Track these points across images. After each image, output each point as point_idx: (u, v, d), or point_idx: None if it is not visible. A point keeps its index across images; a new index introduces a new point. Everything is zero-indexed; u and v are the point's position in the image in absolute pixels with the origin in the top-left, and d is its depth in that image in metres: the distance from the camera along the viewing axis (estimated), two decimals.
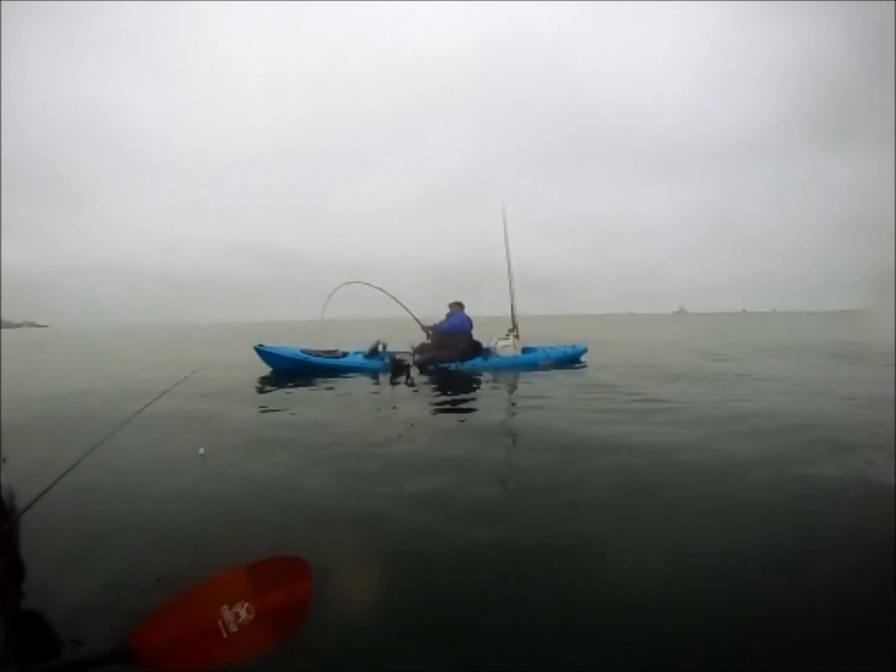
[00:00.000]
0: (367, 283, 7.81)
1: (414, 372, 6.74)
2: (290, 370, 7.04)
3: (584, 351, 8.70)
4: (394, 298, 7.70)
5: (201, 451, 3.36)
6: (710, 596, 1.71)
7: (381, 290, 7.70)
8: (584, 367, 8.15)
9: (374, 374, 6.89)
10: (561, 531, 2.20)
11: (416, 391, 5.54)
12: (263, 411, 5.09)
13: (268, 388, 6.32)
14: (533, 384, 6.38)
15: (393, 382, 6.37)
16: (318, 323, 7.99)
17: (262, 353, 7.37)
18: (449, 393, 5.82)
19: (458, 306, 7.73)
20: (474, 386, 6.23)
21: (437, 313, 7.84)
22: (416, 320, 7.65)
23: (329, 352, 7.47)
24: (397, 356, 7.07)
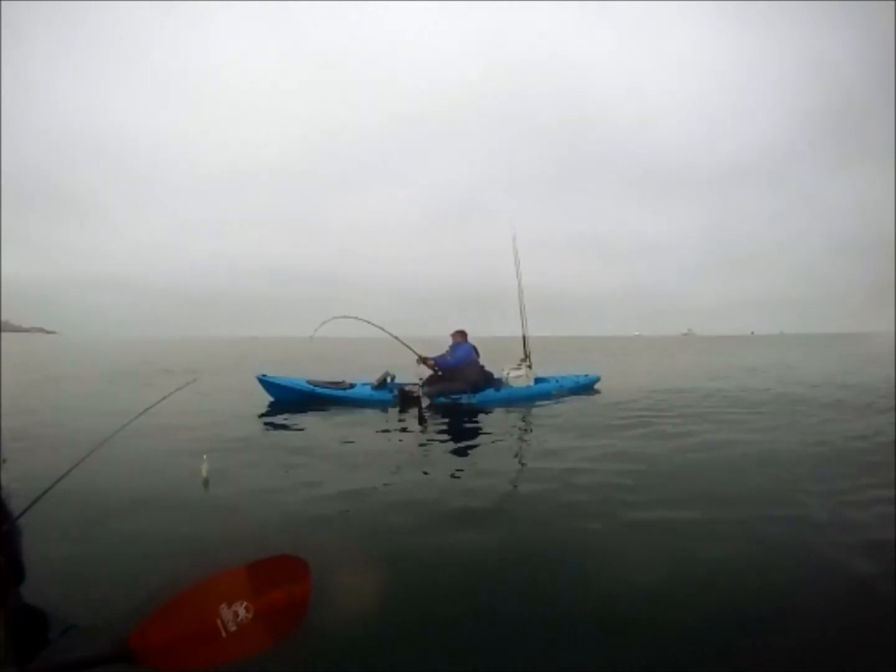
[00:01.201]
0: (368, 321, 7.25)
1: (427, 411, 6.54)
2: (294, 401, 6.74)
3: (597, 380, 8.40)
4: (396, 338, 7.13)
5: (204, 468, 3.09)
6: (707, 603, 1.69)
7: (380, 328, 7.17)
8: (598, 394, 7.81)
9: (382, 406, 6.65)
10: (559, 541, 2.20)
11: (426, 421, 5.47)
12: (266, 427, 5.07)
13: (271, 413, 6.22)
14: (546, 415, 6.14)
15: (402, 415, 6.25)
16: (307, 342, 7.52)
17: (266, 383, 7.01)
18: (457, 420, 5.77)
19: (461, 335, 7.20)
20: (485, 417, 6.08)
21: (438, 332, 7.35)
22: (421, 359, 7.00)
23: (335, 383, 7.15)
24: (406, 388, 6.74)
